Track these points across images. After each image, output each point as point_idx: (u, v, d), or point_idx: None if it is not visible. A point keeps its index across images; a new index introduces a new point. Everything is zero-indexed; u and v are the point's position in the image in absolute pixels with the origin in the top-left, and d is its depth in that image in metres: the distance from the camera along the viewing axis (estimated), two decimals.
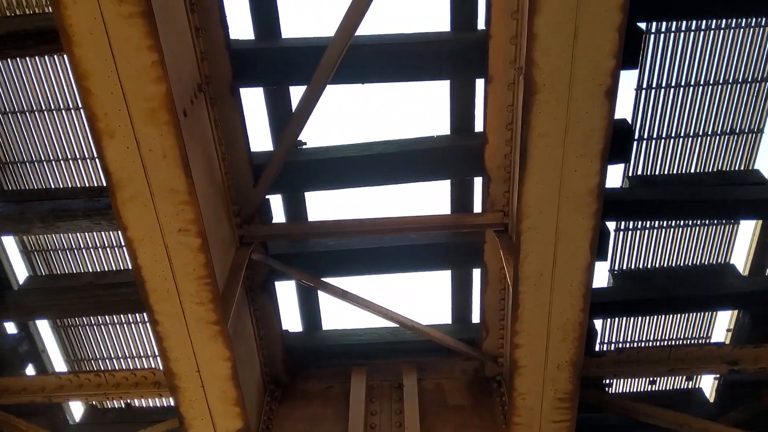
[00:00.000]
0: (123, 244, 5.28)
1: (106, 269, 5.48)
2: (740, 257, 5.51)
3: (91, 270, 5.47)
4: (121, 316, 5.74)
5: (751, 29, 4.47)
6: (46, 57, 4.46)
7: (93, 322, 5.85)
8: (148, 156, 3.07)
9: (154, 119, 2.97)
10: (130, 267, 5.21)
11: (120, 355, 6.13)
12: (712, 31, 4.48)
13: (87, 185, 5.00)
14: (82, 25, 2.74)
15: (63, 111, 4.72)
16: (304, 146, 4.53)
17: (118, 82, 2.87)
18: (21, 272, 5.43)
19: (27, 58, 4.48)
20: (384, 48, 4.07)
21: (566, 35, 2.85)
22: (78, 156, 4.87)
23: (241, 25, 4.33)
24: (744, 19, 4.42)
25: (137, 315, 5.75)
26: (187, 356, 3.76)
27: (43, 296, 5.13)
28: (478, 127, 4.43)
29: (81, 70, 2.85)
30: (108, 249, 5.37)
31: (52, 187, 5.00)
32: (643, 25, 4.15)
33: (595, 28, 2.83)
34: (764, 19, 4.40)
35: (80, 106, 4.69)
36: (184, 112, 3.29)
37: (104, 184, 4.98)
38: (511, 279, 3.65)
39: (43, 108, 4.71)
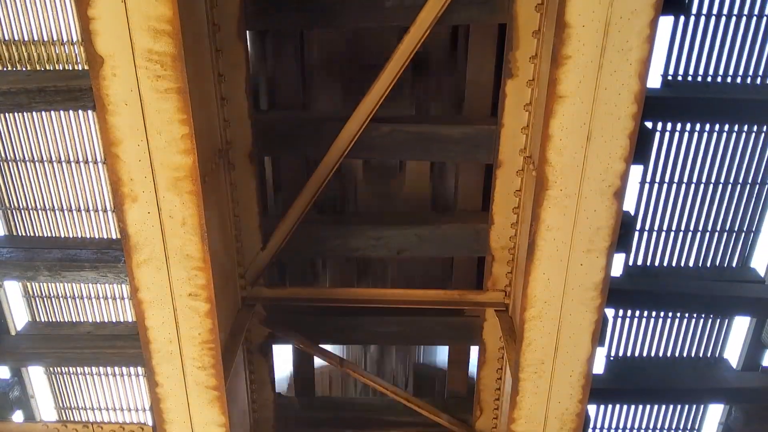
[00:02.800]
0: (126, 297, 5.36)
1: (106, 320, 5.49)
2: (734, 352, 5.57)
3: (91, 320, 5.49)
4: (115, 368, 5.71)
5: (753, 134, 4.67)
6: (70, 111, 4.60)
7: (86, 372, 5.82)
8: (167, 222, 3.15)
9: (177, 188, 3.07)
10: (131, 320, 5.25)
11: (109, 407, 6.07)
12: (715, 134, 4.66)
13: (97, 237, 5.07)
14: (119, 96, 2.86)
15: (81, 163, 4.83)
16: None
17: (147, 151, 2.98)
18: (21, 317, 5.43)
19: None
20: (398, 128, 4.19)
21: (580, 138, 2.99)
22: (91, 207, 4.96)
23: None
24: (745, 125, 4.61)
25: (130, 368, 5.73)
26: (183, 419, 3.75)
27: (41, 343, 5.10)
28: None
29: (112, 137, 2.95)
30: (110, 300, 5.40)
31: (62, 236, 5.07)
32: (650, 124, 4.32)
33: (607, 134, 2.97)
34: (765, 126, 4.60)
35: (98, 160, 4.80)
36: (204, 178, 3.38)
37: (114, 237, 5.07)
38: (511, 364, 3.69)
39: (62, 159, 4.82)
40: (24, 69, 4.52)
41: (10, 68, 4.52)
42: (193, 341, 3.50)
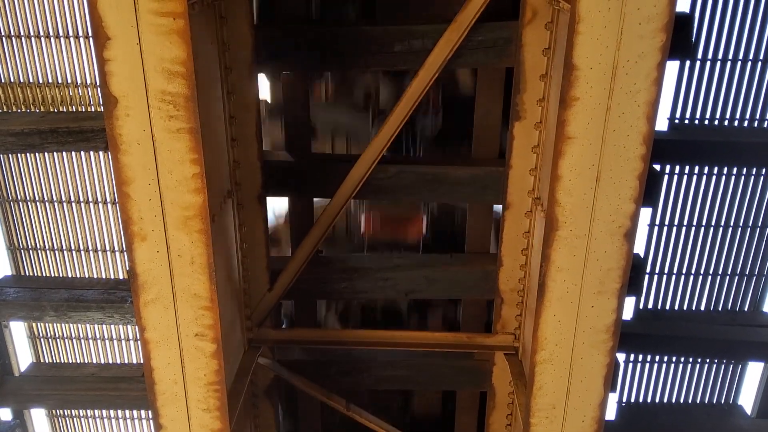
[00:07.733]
0: (132, 339, 5.33)
1: (110, 361, 5.45)
2: (748, 398, 5.46)
3: (95, 361, 5.44)
4: (119, 410, 5.63)
5: (762, 177, 4.67)
6: (81, 152, 4.65)
7: (88, 414, 5.74)
8: (176, 261, 3.15)
9: (186, 227, 3.07)
10: (135, 362, 5.20)
11: None
12: (723, 177, 4.67)
13: (104, 277, 5.06)
14: (132, 136, 2.89)
15: (90, 204, 4.86)
16: (321, 254, 4.61)
17: (158, 190, 2.99)
18: (25, 357, 5.40)
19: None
20: (406, 169, 4.21)
21: (589, 179, 2.99)
22: (99, 248, 4.97)
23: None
24: (753, 168, 4.62)
25: (134, 411, 5.65)
26: None
27: (44, 385, 5.06)
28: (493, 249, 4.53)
29: (124, 176, 2.97)
30: (115, 341, 5.36)
31: (69, 276, 5.06)
32: (657, 167, 4.33)
33: (617, 175, 2.97)
34: None
35: (106, 200, 4.83)
36: (213, 218, 3.39)
37: (121, 277, 5.06)
38: (522, 410, 3.62)
39: (71, 199, 4.85)
40: (38, 111, 4.58)
41: (24, 110, 4.60)
42: (198, 382, 3.45)
